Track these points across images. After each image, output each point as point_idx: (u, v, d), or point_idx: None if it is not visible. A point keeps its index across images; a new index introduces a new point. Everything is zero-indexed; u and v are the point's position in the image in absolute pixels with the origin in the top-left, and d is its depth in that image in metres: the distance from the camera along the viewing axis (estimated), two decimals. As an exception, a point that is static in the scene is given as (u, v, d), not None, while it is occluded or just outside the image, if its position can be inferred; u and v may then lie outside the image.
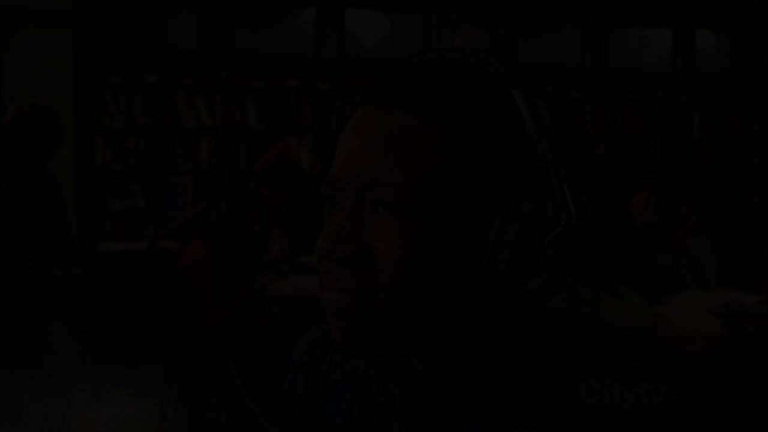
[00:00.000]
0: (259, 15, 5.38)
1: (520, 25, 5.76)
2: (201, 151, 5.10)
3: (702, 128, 5.84)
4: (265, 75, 5.15)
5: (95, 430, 3.35)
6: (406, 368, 0.64)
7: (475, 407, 0.60)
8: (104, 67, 5.03)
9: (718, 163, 5.89)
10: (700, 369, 1.98)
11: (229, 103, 5.07)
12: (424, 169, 0.54)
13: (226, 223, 3.01)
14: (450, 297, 0.55)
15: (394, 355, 0.61)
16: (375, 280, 0.54)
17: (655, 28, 6.06)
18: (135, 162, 5.01)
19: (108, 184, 5.00)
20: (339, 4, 5.49)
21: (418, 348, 0.59)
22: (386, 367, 0.66)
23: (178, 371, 3.06)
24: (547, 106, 0.55)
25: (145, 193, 5.03)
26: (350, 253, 0.55)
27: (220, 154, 5.07)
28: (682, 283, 2.74)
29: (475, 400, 0.60)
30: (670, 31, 6.08)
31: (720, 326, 2.22)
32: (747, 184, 6.01)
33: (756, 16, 5.99)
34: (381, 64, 5.53)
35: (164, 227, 3.95)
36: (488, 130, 0.55)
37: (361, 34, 5.58)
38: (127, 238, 4.90)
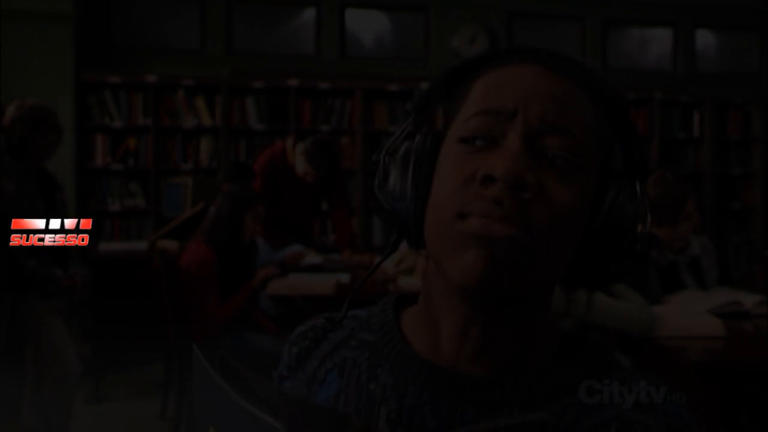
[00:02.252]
0: (259, 15, 5.38)
1: (520, 25, 5.75)
2: (201, 151, 5.10)
3: (702, 128, 5.83)
4: (265, 75, 5.16)
5: (95, 430, 3.35)
6: (402, 350, 0.63)
7: (471, 394, 0.59)
8: (104, 67, 5.04)
9: (718, 163, 5.89)
10: (700, 369, 1.98)
11: (229, 103, 5.07)
12: (588, 138, 0.60)
13: (226, 222, 3.01)
14: (572, 258, 0.60)
15: (495, 303, 0.59)
16: (539, 218, 0.56)
17: (655, 28, 6.06)
18: (135, 162, 5.01)
19: (108, 184, 5.00)
20: (339, 4, 5.49)
21: (514, 307, 0.59)
22: (378, 355, 0.65)
23: (178, 371, 3.06)
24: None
25: (145, 193, 5.03)
26: (532, 184, 0.56)
27: (220, 154, 5.07)
28: (681, 281, 2.73)
29: (473, 386, 0.59)
30: (670, 31, 6.08)
31: (720, 326, 2.22)
32: (747, 184, 6.01)
33: (756, 16, 5.99)
34: (381, 64, 5.54)
35: (164, 227, 3.94)
36: (608, 130, 0.62)
37: (361, 34, 5.58)
38: (127, 238, 4.91)
